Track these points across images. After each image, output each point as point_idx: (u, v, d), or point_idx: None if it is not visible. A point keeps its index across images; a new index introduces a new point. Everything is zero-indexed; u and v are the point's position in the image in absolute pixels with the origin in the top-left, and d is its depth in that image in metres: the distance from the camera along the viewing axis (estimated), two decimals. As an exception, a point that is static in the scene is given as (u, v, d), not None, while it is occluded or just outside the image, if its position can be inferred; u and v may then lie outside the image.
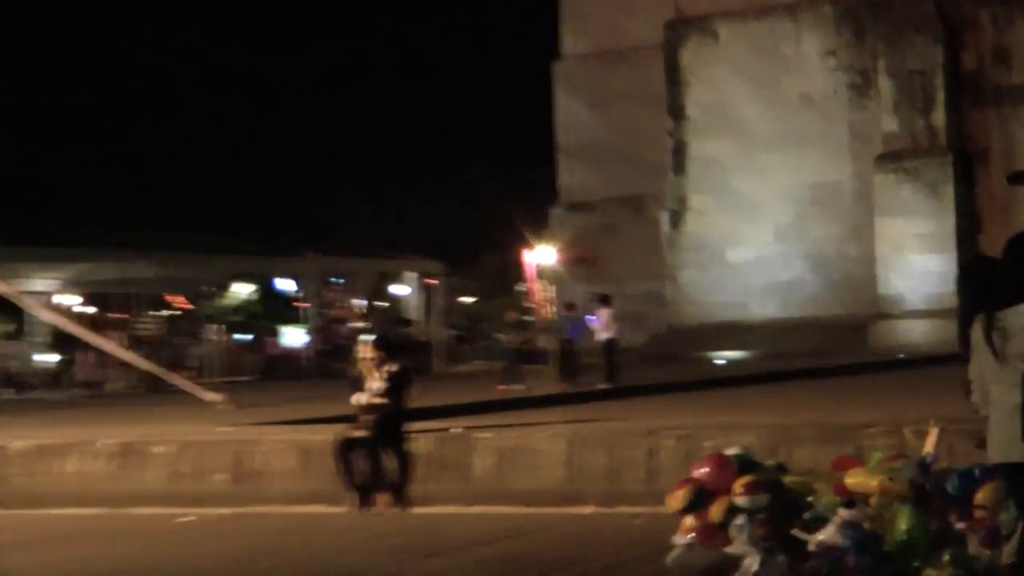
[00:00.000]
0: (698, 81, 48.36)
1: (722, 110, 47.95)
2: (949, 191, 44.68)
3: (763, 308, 46.75)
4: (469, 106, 76.02)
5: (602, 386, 29.95)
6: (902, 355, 38.00)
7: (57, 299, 48.09)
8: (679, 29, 48.69)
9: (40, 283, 42.58)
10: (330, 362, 48.74)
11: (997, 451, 8.76)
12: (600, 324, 33.96)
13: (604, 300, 35.32)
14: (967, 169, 45.07)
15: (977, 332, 8.67)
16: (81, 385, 43.25)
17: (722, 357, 42.72)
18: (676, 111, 48.58)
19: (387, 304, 68.25)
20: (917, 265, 44.70)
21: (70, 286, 47.73)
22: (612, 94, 53.68)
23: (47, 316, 40.30)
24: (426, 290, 56.85)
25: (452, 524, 15.51)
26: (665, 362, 41.04)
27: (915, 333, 43.26)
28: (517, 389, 30.56)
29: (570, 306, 37.64)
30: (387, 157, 74.86)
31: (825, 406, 20.58)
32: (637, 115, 51.72)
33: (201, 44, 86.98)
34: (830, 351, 38.90)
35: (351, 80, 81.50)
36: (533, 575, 12.29)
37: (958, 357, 27.53)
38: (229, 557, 13.95)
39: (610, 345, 33.26)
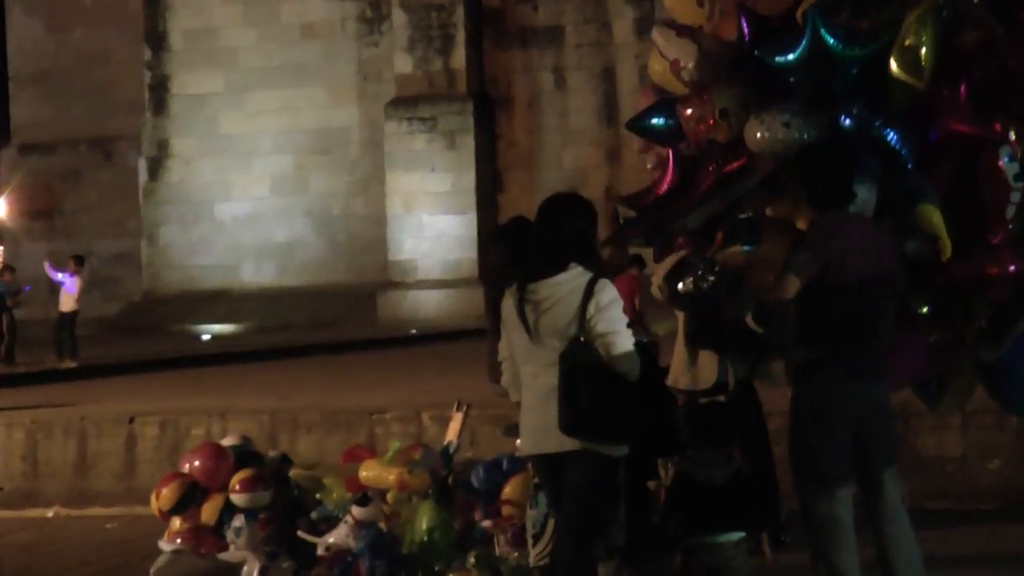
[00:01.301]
0: (183, 4, 47.99)
1: (211, 37, 47.58)
2: (470, 142, 45.23)
3: (258, 273, 46.63)
4: None
5: (69, 365, 29.80)
6: (414, 330, 38.60)
7: None
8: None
9: None
10: None
11: (528, 441, 9.21)
12: (73, 291, 33.75)
13: (79, 262, 35.13)
14: (489, 117, 45.95)
15: (508, 306, 9.01)
16: None
17: (209, 331, 42.61)
18: (155, 39, 48.08)
19: None
20: (433, 227, 45.22)
21: None
22: (78, 14, 52.99)
23: None
24: None
25: None
26: (141, 335, 40.74)
27: (430, 305, 43.79)
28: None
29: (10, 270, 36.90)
30: None
31: (331, 388, 20.93)
32: (109, 41, 51.22)
33: None
34: (335, 323, 39.42)
35: None
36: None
37: (480, 332, 28.51)
38: None
39: (74, 317, 33.21)
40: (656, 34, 11.25)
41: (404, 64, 45.60)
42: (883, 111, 10.56)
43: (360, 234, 46.02)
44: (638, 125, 11.81)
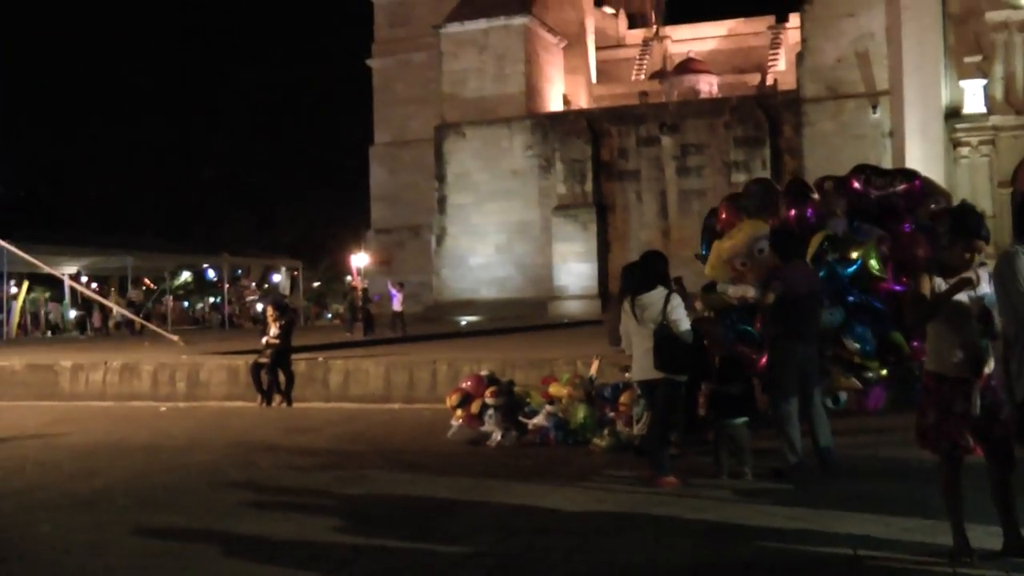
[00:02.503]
0: (453, 160, 48.28)
1: (466, 177, 47.91)
2: (593, 227, 45.18)
3: (488, 292, 46.84)
4: (321, 171, 74.79)
5: (398, 335, 30.01)
6: (566, 320, 38.50)
7: (83, 278, 47.22)
8: (442, 129, 48.66)
9: (69, 267, 41.49)
10: (236, 319, 48.10)
11: (637, 373, 9.21)
12: (398, 300, 34.12)
13: (401, 286, 35.57)
14: (603, 215, 45.58)
15: (626, 307, 9.17)
16: (95, 330, 42.06)
17: (464, 320, 42.83)
18: (440, 177, 48.49)
19: (267, 286, 67.42)
20: (574, 270, 45.32)
21: (85, 270, 46.57)
22: (403, 166, 53.57)
23: (74, 286, 39.67)
24: (291, 278, 56.24)
25: (316, 414, 15.55)
26: (432, 323, 41.14)
27: (572, 307, 43.80)
28: (349, 336, 30.58)
29: (401, 285, 37.29)
30: (275, 197, 73.31)
31: (527, 348, 20.87)
32: (418, 179, 51.75)
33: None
34: (527, 318, 39.25)
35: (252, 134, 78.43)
36: (366, 442, 12.28)
37: (598, 322, 27.73)
38: (188, 430, 13.90)
39: (402, 313, 33.59)
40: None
41: (562, 188, 45.74)
42: None
43: (539, 273, 46.16)
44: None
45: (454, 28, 49.39)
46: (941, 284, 6.01)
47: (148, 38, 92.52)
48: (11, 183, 63.08)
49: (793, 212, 10.95)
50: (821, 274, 9.99)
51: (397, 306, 33.75)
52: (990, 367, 5.93)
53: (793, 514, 7.53)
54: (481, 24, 48.93)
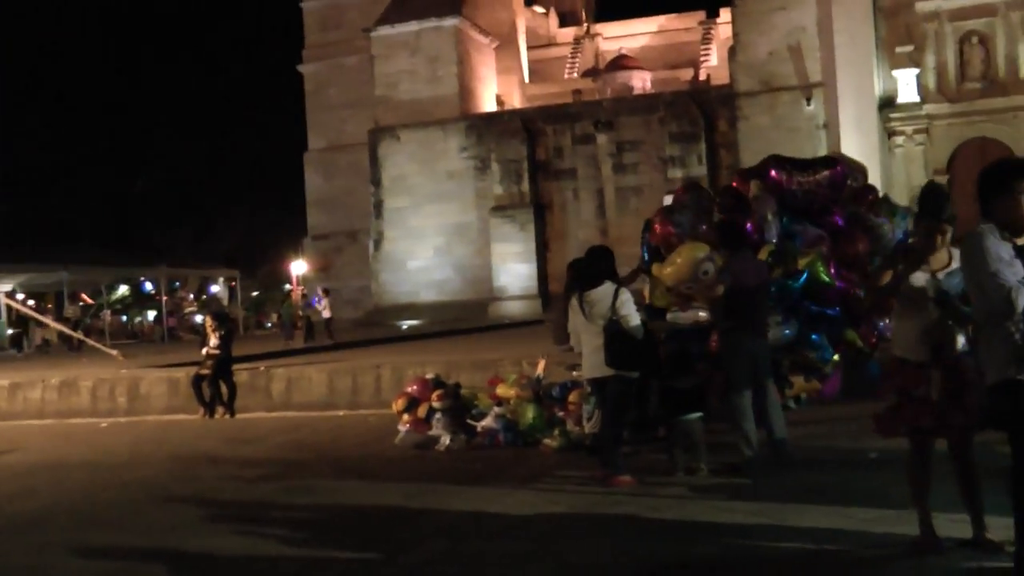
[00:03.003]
0: (388, 163, 47.73)
1: (403, 180, 47.42)
2: (531, 227, 44.86)
3: (428, 295, 46.32)
4: (255, 178, 74.12)
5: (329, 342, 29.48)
6: (507, 320, 38.31)
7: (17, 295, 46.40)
8: (377, 133, 48.14)
9: (3, 285, 40.84)
10: (175, 332, 47.41)
11: (587, 371, 9.04)
12: (322, 305, 33.70)
13: (326, 292, 35.20)
14: (540, 215, 45.31)
15: (574, 303, 9.02)
16: (33, 347, 41.16)
17: (405, 324, 42.49)
18: (376, 181, 47.93)
19: (205, 296, 66.72)
20: (513, 270, 45.07)
21: (20, 287, 45.74)
22: (339, 171, 53.11)
23: (10, 303, 38.99)
24: (229, 288, 55.60)
25: (260, 424, 15.29)
26: (373, 327, 40.67)
27: (513, 308, 43.54)
28: (288, 344, 30.10)
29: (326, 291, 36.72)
30: (211, 206, 72.43)
31: (470, 350, 20.66)
32: (354, 183, 51.29)
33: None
34: (467, 320, 38.99)
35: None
36: (311, 451, 12.04)
37: (538, 323, 27.56)
38: (130, 445, 13.63)
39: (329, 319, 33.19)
40: None
41: (499, 189, 45.41)
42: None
43: (478, 274, 45.74)
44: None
45: (385, 31, 48.97)
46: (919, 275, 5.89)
47: (79, 45, 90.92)
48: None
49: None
50: (772, 289, 9.72)
51: (326, 313, 33.26)
52: (955, 350, 5.81)
53: (753, 509, 7.40)
54: (412, 26, 48.54)
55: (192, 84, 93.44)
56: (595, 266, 8.94)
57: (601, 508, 7.82)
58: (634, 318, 8.60)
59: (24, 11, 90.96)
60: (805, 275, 10.05)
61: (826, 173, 10.89)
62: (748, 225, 10.07)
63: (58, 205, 68.02)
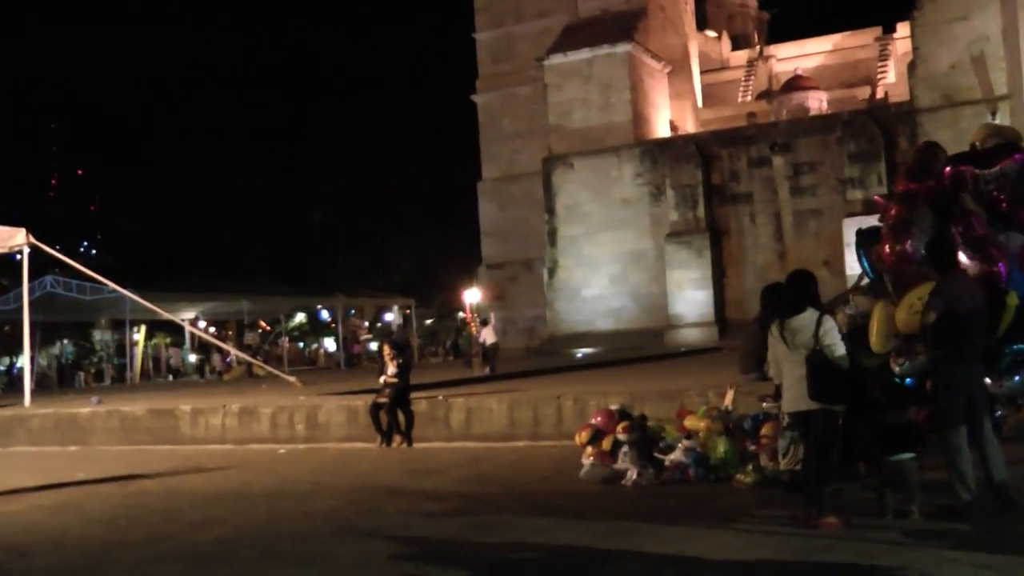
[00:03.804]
0: (562, 192, 47.75)
1: (576, 208, 47.36)
2: (707, 253, 44.19)
3: (603, 323, 46.11)
4: (433, 210, 75.13)
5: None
6: (684, 348, 37.62)
7: (201, 323, 47.91)
8: (551, 161, 48.23)
9: (187, 313, 42.11)
10: (351, 359, 48.21)
11: (789, 404, 8.46)
12: (487, 334, 33.15)
13: (484, 322, 35.00)
14: (717, 241, 44.57)
15: (774, 332, 8.44)
16: (215, 373, 42.43)
17: (581, 352, 42.17)
18: (550, 209, 48.00)
19: (379, 324, 67.83)
20: (690, 297, 44.36)
21: (203, 315, 47.23)
22: (512, 200, 53.46)
23: (193, 331, 40.10)
24: (404, 316, 56.36)
25: (439, 454, 15.04)
26: (549, 356, 40.59)
27: (689, 336, 42.93)
28: (469, 372, 30.01)
29: (484, 322, 36.62)
30: (385, 236, 73.67)
31: (652, 379, 20.04)
32: (527, 212, 51.47)
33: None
34: (643, 348, 38.54)
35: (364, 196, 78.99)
36: (494, 484, 11.69)
37: (715, 350, 26.88)
38: (310, 474, 13.61)
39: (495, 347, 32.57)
40: None
41: (674, 215, 44.83)
42: None
43: (654, 302, 45.29)
44: None
45: (557, 59, 49.07)
46: None
47: (258, 86, 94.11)
48: (133, 234, 64.34)
49: (979, 265, 9.13)
50: (1018, 347, 8.84)
51: (489, 340, 32.64)
52: None
53: (978, 560, 6.70)
54: (584, 54, 48.53)
55: (369, 118, 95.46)
56: (797, 292, 8.34)
57: (814, 554, 7.20)
58: (839, 347, 7.97)
59: (209, 55, 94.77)
60: None
61: (1007, 161, 9.53)
62: (1001, 266, 8.97)
63: (239, 240, 70.31)
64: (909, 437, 8.35)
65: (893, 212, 9.84)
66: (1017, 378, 8.97)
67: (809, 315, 8.09)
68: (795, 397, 8.20)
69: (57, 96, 73.30)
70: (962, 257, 8.91)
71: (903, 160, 41.36)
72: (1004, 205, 9.52)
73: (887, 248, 9.69)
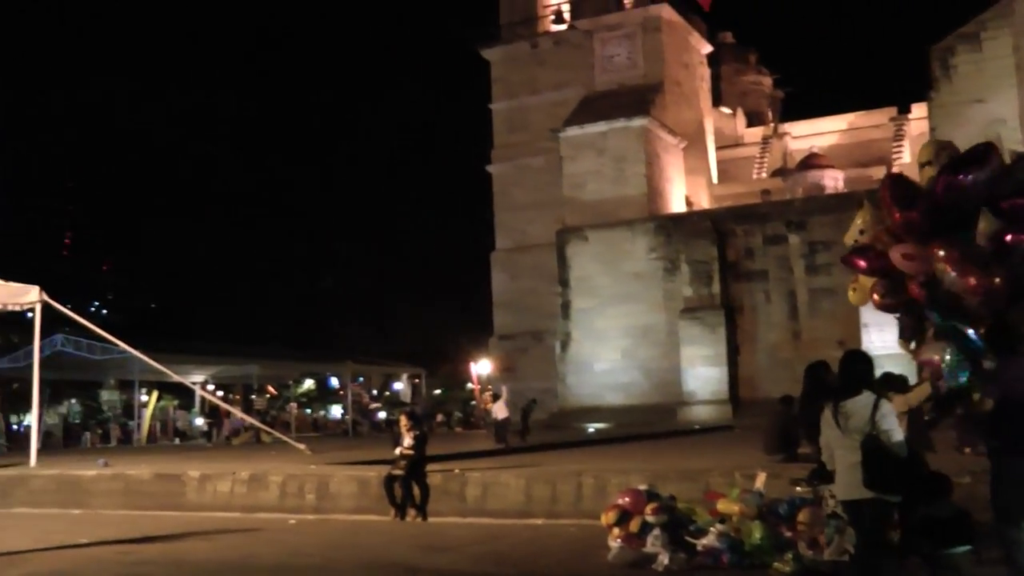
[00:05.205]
0: (575, 264, 47.34)
1: (588, 281, 46.92)
2: (722, 330, 43.55)
3: (614, 398, 45.44)
4: (443, 279, 74.88)
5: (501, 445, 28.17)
6: (697, 426, 36.99)
7: (209, 386, 47.49)
8: (564, 234, 47.92)
9: (196, 376, 41.64)
10: (359, 427, 47.65)
11: (841, 491, 7.93)
12: (498, 407, 31.94)
13: (494, 396, 34.38)
14: (731, 318, 44.02)
15: (827, 415, 7.88)
16: (226, 439, 41.85)
17: (592, 427, 41.54)
18: (563, 281, 47.56)
19: (388, 393, 67.36)
20: (703, 374, 43.72)
21: (212, 378, 46.81)
22: (524, 271, 53.18)
23: (204, 395, 39.58)
24: (412, 385, 55.89)
25: (454, 530, 14.51)
26: (559, 429, 39.99)
27: (702, 413, 42.23)
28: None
29: (496, 396, 35.80)
30: (393, 304, 73.24)
31: (666, 456, 19.56)
32: (538, 284, 51.16)
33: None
34: (655, 424, 37.84)
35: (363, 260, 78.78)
36: (513, 565, 11.18)
37: (727, 428, 26.36)
38: (320, 547, 13.13)
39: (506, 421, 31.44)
40: None
41: (688, 291, 44.33)
42: None
43: (665, 377, 44.57)
44: None
45: (573, 131, 49.07)
46: None
47: (272, 150, 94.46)
48: (141, 296, 64.27)
49: None
50: None
51: (501, 414, 31.63)
52: None
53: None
54: (600, 127, 48.54)
55: (381, 185, 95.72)
56: (851, 373, 7.82)
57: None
58: (896, 433, 7.46)
59: (224, 118, 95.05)
60: None
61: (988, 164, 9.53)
62: None
63: (247, 304, 70.09)
64: (961, 530, 7.85)
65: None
66: None
67: (865, 398, 7.57)
68: (848, 484, 7.65)
69: (74, 154, 73.71)
70: None
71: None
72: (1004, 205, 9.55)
73: (971, 280, 9.60)
